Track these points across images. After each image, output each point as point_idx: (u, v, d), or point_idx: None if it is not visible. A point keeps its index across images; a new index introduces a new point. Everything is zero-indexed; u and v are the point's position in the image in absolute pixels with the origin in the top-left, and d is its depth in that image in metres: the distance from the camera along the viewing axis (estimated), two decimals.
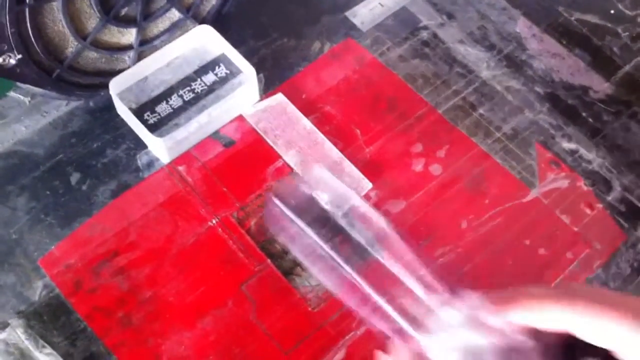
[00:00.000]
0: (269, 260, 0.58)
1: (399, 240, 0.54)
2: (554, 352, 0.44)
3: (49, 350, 0.54)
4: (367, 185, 0.62)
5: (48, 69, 0.60)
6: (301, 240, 0.54)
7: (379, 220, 0.56)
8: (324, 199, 0.54)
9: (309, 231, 0.52)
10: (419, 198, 0.62)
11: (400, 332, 0.47)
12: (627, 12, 0.75)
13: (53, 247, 0.58)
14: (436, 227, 0.60)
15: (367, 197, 0.61)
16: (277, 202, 0.52)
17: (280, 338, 0.55)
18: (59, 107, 0.66)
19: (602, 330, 0.41)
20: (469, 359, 0.44)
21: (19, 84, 0.60)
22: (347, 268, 0.51)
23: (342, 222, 0.53)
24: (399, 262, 0.51)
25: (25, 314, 0.56)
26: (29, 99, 0.66)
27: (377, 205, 0.61)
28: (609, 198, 0.63)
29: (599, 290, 0.45)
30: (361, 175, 0.62)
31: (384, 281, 0.50)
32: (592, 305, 0.41)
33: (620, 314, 0.40)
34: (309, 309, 0.56)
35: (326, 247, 0.52)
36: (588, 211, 0.62)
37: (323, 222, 0.53)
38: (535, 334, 0.43)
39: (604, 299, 0.42)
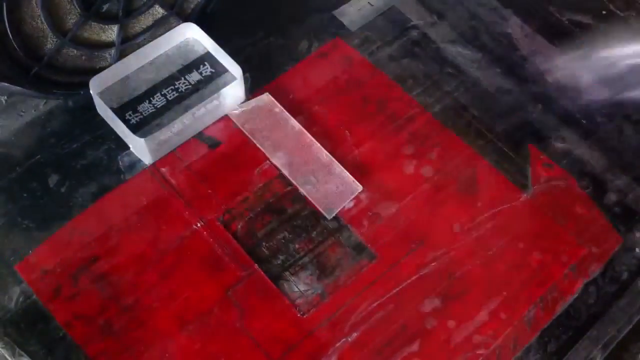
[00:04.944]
0: (256, 265, 0.56)
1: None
2: None
3: (26, 359, 0.52)
4: (358, 187, 0.60)
5: (26, 67, 0.58)
6: None
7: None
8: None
9: None
10: (410, 201, 0.60)
11: None
12: (619, 12, 0.74)
13: (30, 251, 0.56)
14: (428, 231, 0.59)
15: (357, 200, 0.59)
16: None
17: (268, 346, 0.53)
18: (37, 106, 0.64)
19: None
20: None
21: None
22: None
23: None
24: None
25: (1, 322, 0.53)
26: (5, 97, 0.64)
27: (368, 208, 0.59)
28: (604, 200, 0.62)
29: None
30: (351, 178, 0.60)
31: None
32: None
33: None
34: (299, 315, 0.55)
35: None
36: (583, 214, 0.61)
37: None
38: None
39: None
